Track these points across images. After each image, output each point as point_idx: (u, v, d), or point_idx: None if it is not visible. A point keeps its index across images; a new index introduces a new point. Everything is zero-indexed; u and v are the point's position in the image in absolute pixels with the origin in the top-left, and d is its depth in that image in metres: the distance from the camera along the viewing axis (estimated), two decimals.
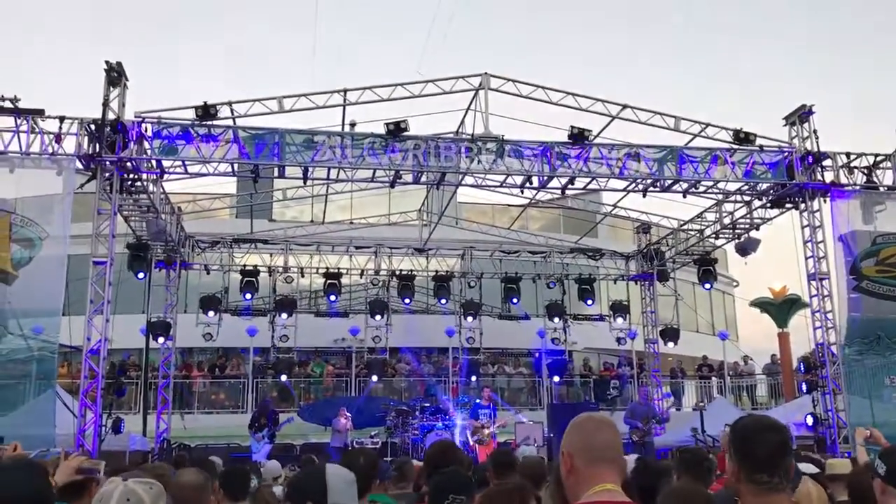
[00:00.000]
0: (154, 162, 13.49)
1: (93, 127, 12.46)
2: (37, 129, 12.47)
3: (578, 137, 13.96)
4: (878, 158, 14.95)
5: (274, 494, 6.09)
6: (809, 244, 14.69)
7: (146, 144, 13.00)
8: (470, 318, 19.96)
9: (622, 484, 2.66)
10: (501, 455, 5.83)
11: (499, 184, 15.16)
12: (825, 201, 14.71)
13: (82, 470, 4.30)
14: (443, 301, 19.81)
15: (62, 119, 12.52)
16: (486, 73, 14.27)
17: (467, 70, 14.40)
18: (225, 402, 22.35)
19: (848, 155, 14.90)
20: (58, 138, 12.47)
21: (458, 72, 14.22)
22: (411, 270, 19.93)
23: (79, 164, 12.65)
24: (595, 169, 14.31)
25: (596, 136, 14.47)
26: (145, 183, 14.09)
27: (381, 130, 13.57)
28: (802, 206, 14.91)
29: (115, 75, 12.65)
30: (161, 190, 15.33)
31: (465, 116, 15.02)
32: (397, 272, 19.82)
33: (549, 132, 14.34)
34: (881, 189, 14.88)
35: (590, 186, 15.61)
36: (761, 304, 24.82)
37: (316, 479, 2.86)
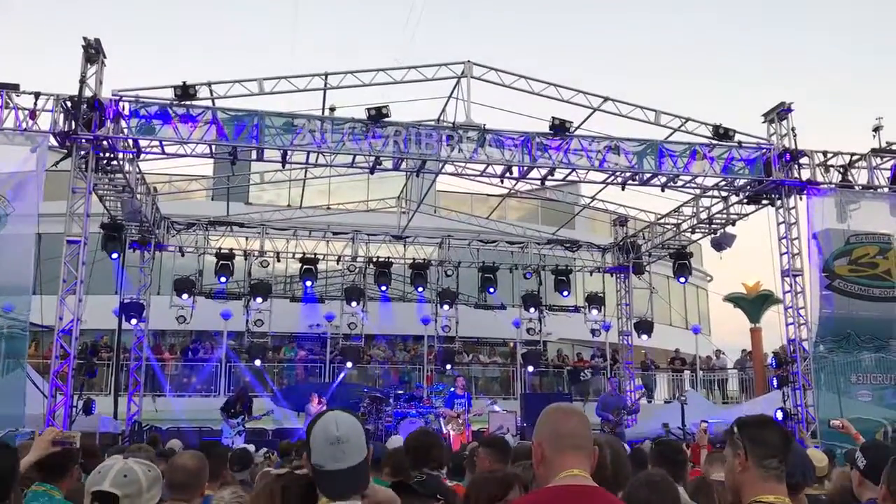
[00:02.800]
0: (131, 141, 13.30)
1: (69, 104, 12.26)
2: (11, 105, 12.25)
3: (559, 128, 13.98)
4: (854, 157, 15.13)
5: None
6: (784, 241, 14.85)
7: (123, 123, 12.81)
8: (446, 307, 19.98)
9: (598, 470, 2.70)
10: (500, 442, 5.78)
11: (479, 173, 15.16)
12: (801, 199, 14.87)
13: (57, 442, 4.27)
14: (419, 289, 19.82)
15: (37, 95, 12.30)
16: (468, 62, 14.22)
17: (450, 58, 14.36)
18: (197, 385, 22.20)
19: (825, 153, 15.07)
20: (32, 114, 12.26)
21: (440, 59, 14.17)
22: (388, 257, 19.91)
23: (53, 142, 12.46)
24: (575, 160, 14.34)
25: (577, 128, 14.50)
26: (121, 162, 13.90)
27: (362, 116, 13.49)
28: (779, 202, 15.05)
29: (93, 52, 12.45)
30: (137, 170, 15.14)
31: (446, 104, 14.98)
32: (374, 259, 19.78)
33: (531, 122, 14.36)
34: (856, 188, 15.07)
35: (569, 178, 15.64)
36: (734, 300, 25.04)
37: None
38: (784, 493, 2.72)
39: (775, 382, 15.22)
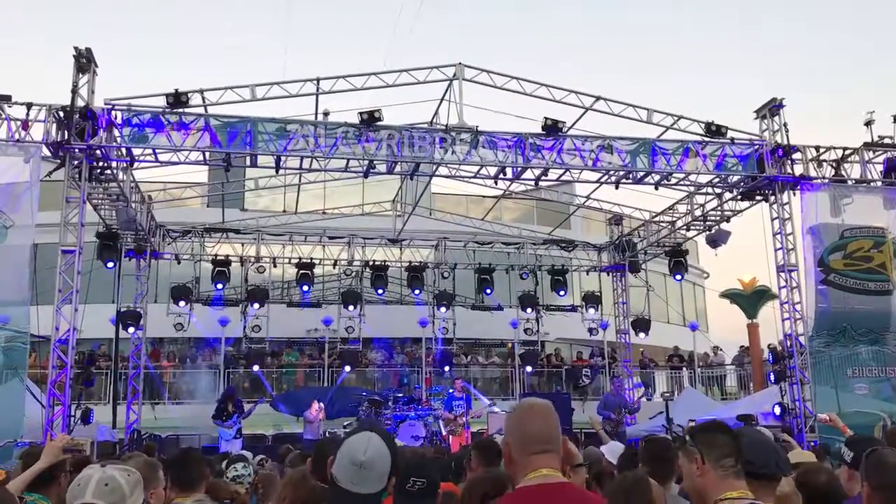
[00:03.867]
0: (124, 150, 13.30)
1: (61, 114, 12.24)
2: (3, 116, 12.24)
3: (552, 129, 13.99)
4: (847, 152, 15.15)
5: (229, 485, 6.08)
6: (779, 236, 14.88)
7: (116, 132, 12.79)
8: (443, 309, 20.01)
9: (600, 470, 2.75)
10: (487, 445, 5.83)
11: (473, 174, 15.17)
12: (794, 194, 14.90)
13: (68, 449, 4.31)
14: (416, 292, 19.84)
15: (29, 105, 12.28)
16: (459, 64, 14.23)
17: (441, 60, 14.37)
18: (196, 392, 22.18)
19: (817, 148, 15.09)
20: (25, 125, 12.25)
21: (432, 62, 14.18)
22: (384, 261, 19.93)
23: (46, 152, 12.44)
24: (568, 160, 14.35)
25: (569, 128, 14.51)
26: (115, 171, 13.89)
27: (355, 120, 13.50)
28: (772, 198, 15.07)
29: (85, 61, 12.43)
30: (131, 178, 15.15)
31: (439, 107, 14.98)
32: (370, 262, 19.79)
33: (524, 123, 14.37)
34: (849, 182, 15.10)
35: (563, 178, 15.65)
36: (731, 296, 25.08)
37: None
38: (744, 488, 2.78)
39: (773, 377, 15.24)
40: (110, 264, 15.30)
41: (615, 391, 17.39)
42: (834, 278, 14.54)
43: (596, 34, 62.49)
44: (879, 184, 15.16)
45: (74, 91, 12.37)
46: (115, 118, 12.71)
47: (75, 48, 12.38)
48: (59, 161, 12.50)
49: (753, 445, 2.99)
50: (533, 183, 15.77)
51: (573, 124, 14.70)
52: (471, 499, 3.33)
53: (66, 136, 12.25)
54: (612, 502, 3.29)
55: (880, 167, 15.16)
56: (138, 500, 2.72)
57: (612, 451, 6.42)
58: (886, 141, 15.13)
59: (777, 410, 14.30)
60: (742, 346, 24.80)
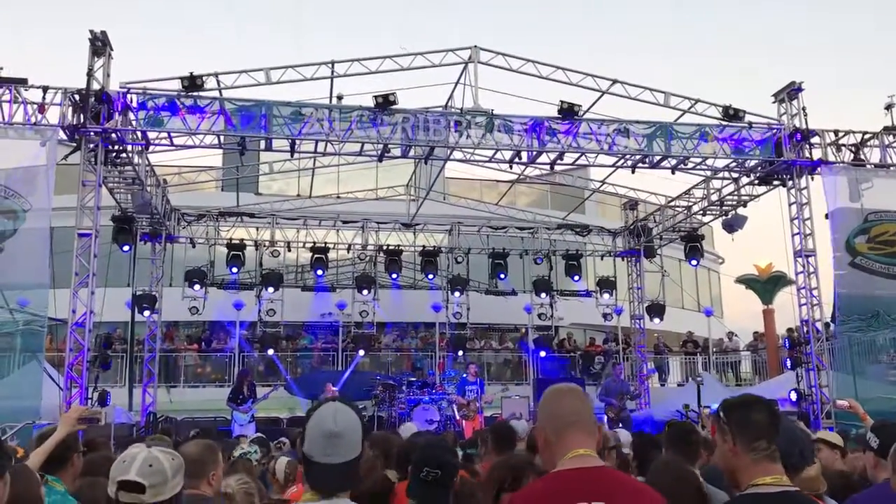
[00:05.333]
0: (139, 133, 13.32)
1: (77, 97, 12.28)
2: (20, 99, 12.27)
3: (568, 112, 13.89)
4: (866, 136, 14.98)
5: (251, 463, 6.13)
6: (796, 221, 14.74)
7: (131, 115, 12.84)
8: (457, 294, 20.00)
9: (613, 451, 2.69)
10: (502, 429, 5.83)
11: (487, 159, 15.11)
12: (812, 178, 14.75)
13: (84, 419, 4.34)
14: (430, 276, 19.82)
15: (45, 89, 12.32)
16: (475, 47, 14.14)
17: (457, 43, 14.30)
18: (211, 375, 22.32)
19: (836, 132, 14.92)
20: (41, 108, 12.28)
21: (447, 45, 14.11)
22: (398, 245, 19.91)
23: (62, 135, 12.49)
24: (584, 144, 14.26)
25: (586, 112, 14.41)
26: (130, 154, 13.92)
27: (370, 103, 13.46)
28: (790, 182, 14.94)
29: (100, 45, 12.45)
30: (146, 162, 15.16)
31: (454, 90, 14.91)
32: (384, 247, 19.78)
33: (539, 107, 14.28)
34: (868, 166, 14.93)
35: (578, 162, 15.55)
36: (747, 281, 24.91)
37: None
38: (780, 472, 2.69)
39: (789, 363, 15.16)
40: (126, 248, 15.36)
41: (616, 377, 17.32)
42: (861, 261, 14.35)
43: (613, 15, 61.96)
44: None
45: (90, 74, 12.40)
46: (131, 102, 12.74)
47: (91, 31, 12.38)
48: (74, 144, 12.53)
49: (780, 433, 2.85)
50: (548, 167, 15.68)
51: (589, 108, 14.61)
52: (490, 485, 3.29)
53: (81, 120, 12.28)
54: (660, 490, 3.19)
55: None
56: (179, 484, 2.72)
57: (616, 438, 6.32)
58: None
59: (793, 396, 14.22)
60: (756, 333, 24.68)
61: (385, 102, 13.33)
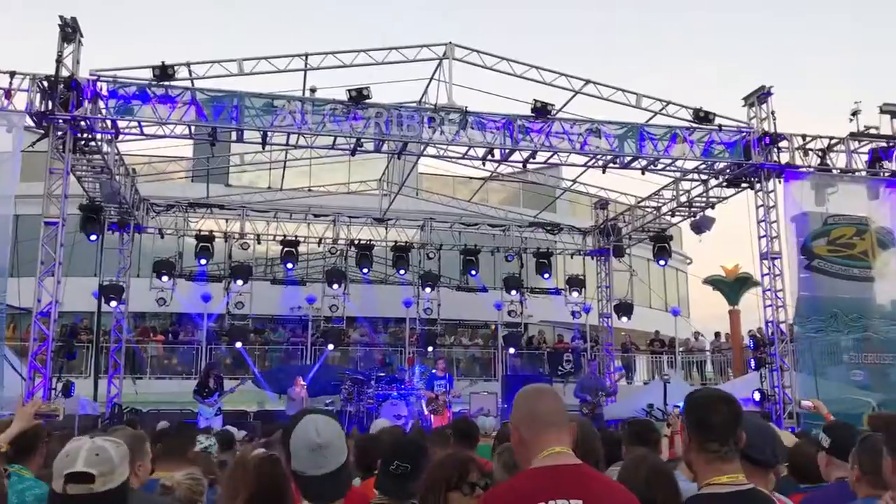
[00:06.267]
0: (109, 122, 13.14)
1: (45, 84, 12.09)
2: None
3: (541, 111, 13.96)
4: (832, 141, 15.23)
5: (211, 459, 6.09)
6: (763, 224, 14.96)
7: (101, 104, 12.65)
8: (428, 290, 20.02)
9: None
10: (463, 425, 5.88)
11: (460, 155, 15.13)
12: (780, 182, 14.96)
13: (41, 414, 4.27)
14: (401, 272, 19.81)
15: (13, 74, 12.12)
16: (450, 43, 14.15)
17: (432, 39, 14.29)
18: (178, 367, 22.14)
19: (803, 137, 15.15)
20: (7, 94, 12.07)
21: (422, 41, 14.09)
22: (370, 240, 19.86)
23: (30, 122, 12.30)
24: (556, 143, 14.33)
25: (558, 111, 14.49)
26: (99, 143, 13.75)
27: (343, 97, 13.41)
28: (758, 185, 15.14)
29: (70, 31, 12.26)
30: (115, 151, 14.99)
31: (428, 86, 14.92)
32: (356, 241, 19.73)
33: (513, 105, 14.33)
34: (834, 172, 15.18)
35: (551, 161, 15.63)
36: (713, 282, 25.24)
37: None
38: (736, 471, 2.69)
39: (753, 364, 15.38)
40: (93, 237, 15.16)
41: (591, 374, 17.48)
42: (818, 264, 14.63)
43: (589, 16, 62.28)
44: (864, 174, 15.25)
45: (59, 61, 12.22)
46: (101, 90, 12.57)
47: (61, 17, 12.20)
48: (42, 132, 12.35)
49: (751, 432, 2.88)
50: (520, 165, 15.75)
51: (562, 107, 14.68)
52: (433, 483, 3.21)
53: (49, 107, 12.10)
54: (636, 483, 3.20)
55: (865, 157, 15.25)
56: (126, 471, 2.72)
57: None
58: (872, 131, 15.22)
59: (757, 396, 14.43)
60: (716, 333, 25.07)
61: (359, 96, 13.29)
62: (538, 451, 2.63)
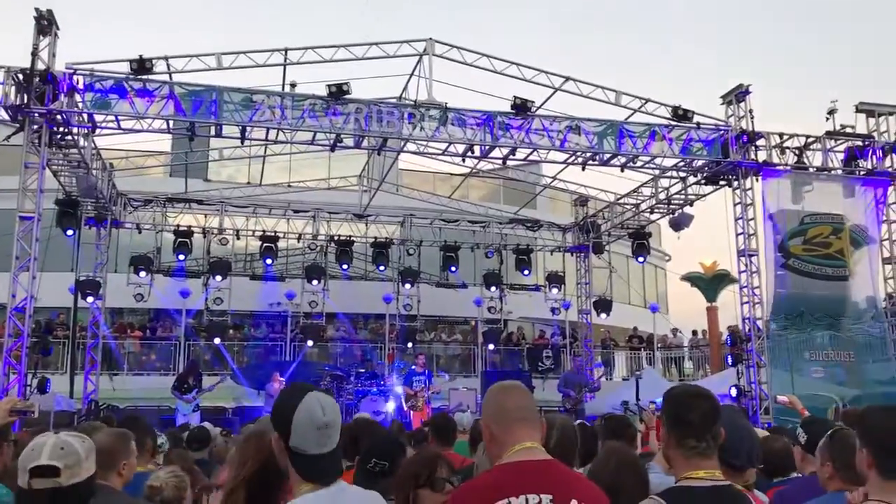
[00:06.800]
0: (85, 116, 13.02)
1: (21, 77, 11.94)
2: None
3: (521, 108, 13.99)
4: (809, 140, 15.39)
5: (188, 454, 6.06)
6: (740, 221, 15.09)
7: (77, 97, 12.52)
8: (408, 286, 19.99)
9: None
10: (441, 421, 5.89)
11: (441, 152, 15.13)
12: (757, 180, 15.10)
13: (16, 411, 4.24)
14: (381, 268, 19.78)
15: None
16: (430, 39, 14.15)
17: (412, 35, 14.27)
18: (156, 363, 21.98)
19: (781, 135, 15.30)
20: None
21: (402, 36, 14.08)
22: (350, 236, 19.81)
23: (5, 115, 12.15)
24: (536, 140, 14.39)
25: (538, 108, 14.53)
26: (76, 137, 13.61)
27: (323, 92, 13.36)
28: (735, 183, 15.27)
29: (46, 24, 12.12)
30: (92, 145, 14.84)
31: (408, 82, 14.91)
32: (335, 237, 19.67)
33: (493, 101, 14.35)
34: (810, 170, 15.34)
35: (531, 158, 15.68)
36: (692, 279, 25.43)
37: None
38: (713, 467, 2.71)
39: (730, 360, 15.52)
40: (70, 232, 15.00)
41: (575, 369, 17.58)
42: (794, 263, 14.80)
43: (565, 14, 62.44)
44: (840, 172, 15.42)
45: (35, 54, 12.08)
46: (77, 83, 12.44)
47: (36, 9, 12.05)
48: (17, 125, 12.20)
49: (729, 434, 2.87)
50: (500, 162, 15.77)
51: (542, 104, 14.72)
52: (404, 481, 3.24)
53: (25, 100, 11.96)
54: (604, 476, 3.25)
55: (841, 156, 15.42)
56: (92, 467, 2.70)
57: None
58: (848, 130, 15.39)
59: (733, 392, 14.56)
60: (693, 331, 25.27)
61: (339, 92, 13.25)
62: (508, 446, 2.65)
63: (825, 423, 4.12)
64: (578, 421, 5.73)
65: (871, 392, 13.89)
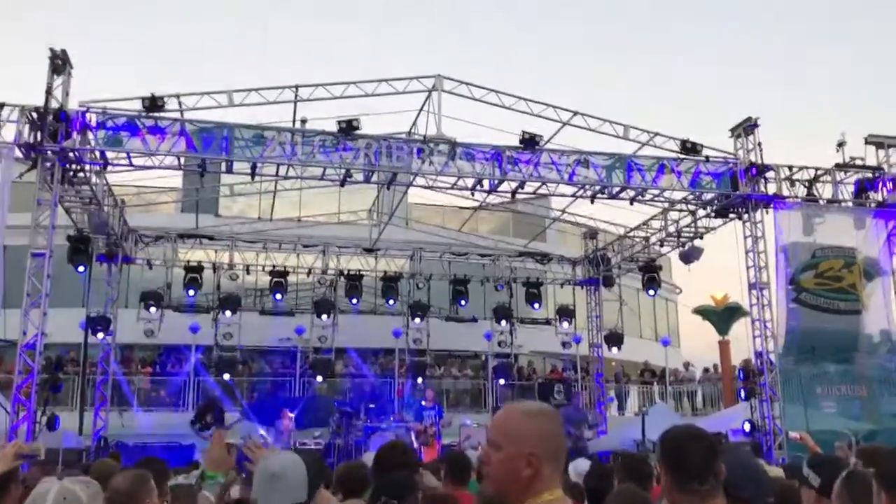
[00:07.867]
0: (98, 153, 13.14)
1: (34, 115, 12.09)
2: None
3: (529, 142, 14.06)
4: (819, 172, 15.38)
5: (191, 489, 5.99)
6: (751, 254, 15.02)
7: (90, 135, 12.66)
8: (417, 320, 19.92)
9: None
10: (457, 458, 5.78)
11: (450, 185, 15.17)
12: (767, 212, 15.06)
13: (23, 455, 4.20)
14: (391, 302, 19.73)
15: (2, 106, 12.13)
16: (439, 75, 14.26)
17: (421, 71, 14.40)
18: (165, 399, 21.90)
19: (790, 168, 15.29)
20: None
21: (411, 72, 14.20)
22: (359, 270, 19.80)
23: (18, 153, 12.27)
24: (545, 174, 14.43)
25: (547, 142, 14.59)
26: (88, 174, 13.72)
27: (333, 128, 13.46)
28: (745, 216, 15.23)
29: (60, 63, 12.29)
30: (104, 182, 14.96)
31: (417, 117, 15.00)
32: (345, 272, 19.66)
33: (501, 136, 14.42)
34: (821, 202, 15.31)
35: (539, 191, 15.71)
36: (703, 312, 25.31)
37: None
38: None
39: (743, 394, 15.36)
40: (81, 269, 15.03)
41: (576, 405, 17.34)
42: (805, 297, 14.71)
43: (573, 51, 62.96)
44: (850, 204, 15.38)
45: (49, 92, 12.22)
46: (90, 121, 12.58)
47: (51, 49, 12.24)
48: (31, 162, 12.32)
49: (734, 468, 2.84)
50: (509, 195, 15.80)
51: (550, 138, 14.78)
52: None
53: (38, 138, 12.09)
54: None
55: (851, 188, 15.40)
56: None
57: (575, 469, 6.05)
58: (857, 162, 15.37)
59: (747, 427, 14.39)
60: (705, 368, 25.05)
61: (348, 128, 13.35)
62: (545, 489, 2.23)
63: (834, 462, 4.00)
64: (580, 458, 5.61)
65: (887, 427, 13.68)
